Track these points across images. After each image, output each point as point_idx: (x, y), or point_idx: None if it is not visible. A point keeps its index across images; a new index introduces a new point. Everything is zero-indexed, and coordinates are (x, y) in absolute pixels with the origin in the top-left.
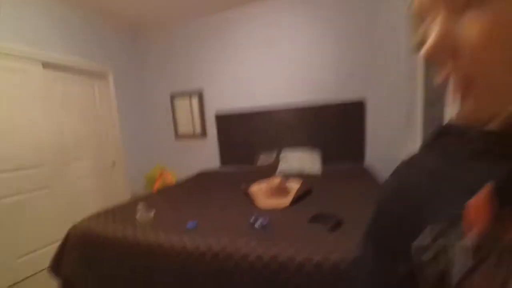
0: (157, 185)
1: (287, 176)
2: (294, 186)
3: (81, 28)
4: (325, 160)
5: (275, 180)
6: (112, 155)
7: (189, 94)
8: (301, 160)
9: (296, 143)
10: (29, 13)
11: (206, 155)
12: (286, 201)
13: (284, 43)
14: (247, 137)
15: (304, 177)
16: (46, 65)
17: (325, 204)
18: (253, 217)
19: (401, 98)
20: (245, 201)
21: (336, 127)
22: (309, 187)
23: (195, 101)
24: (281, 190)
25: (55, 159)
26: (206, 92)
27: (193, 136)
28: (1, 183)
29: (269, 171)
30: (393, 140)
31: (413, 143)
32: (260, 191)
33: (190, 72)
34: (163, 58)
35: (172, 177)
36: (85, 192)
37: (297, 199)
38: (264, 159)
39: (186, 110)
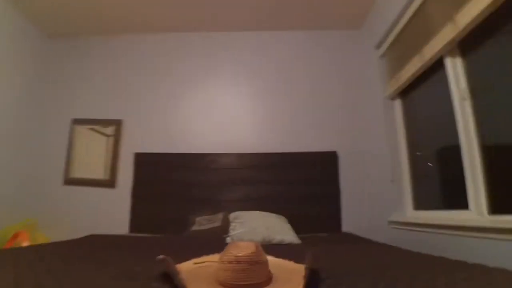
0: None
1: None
2: (275, 261)
3: None
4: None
5: (248, 246)
6: None
7: (100, 124)
8: (267, 224)
9: (248, 205)
10: None
11: (114, 214)
12: None
13: (242, 80)
14: (178, 191)
15: (275, 247)
16: None
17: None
18: None
19: (381, 149)
20: None
21: (302, 184)
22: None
23: (107, 137)
24: (259, 268)
25: None
26: (125, 126)
27: (96, 182)
28: None
29: (213, 239)
30: (376, 200)
31: (402, 200)
32: (205, 269)
33: (107, 97)
34: (73, 71)
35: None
36: None
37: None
38: (203, 223)
39: (92, 146)
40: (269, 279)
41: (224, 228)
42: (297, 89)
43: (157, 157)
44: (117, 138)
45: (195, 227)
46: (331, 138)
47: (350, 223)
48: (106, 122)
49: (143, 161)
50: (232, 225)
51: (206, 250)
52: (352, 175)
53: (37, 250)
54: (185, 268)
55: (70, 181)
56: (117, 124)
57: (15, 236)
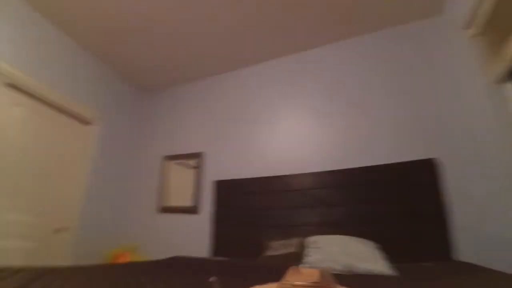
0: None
1: (328, 272)
2: None
3: (76, 65)
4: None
5: (311, 274)
6: (64, 217)
7: (185, 158)
8: (349, 250)
9: (328, 228)
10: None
11: (197, 238)
12: None
13: (315, 96)
14: (254, 216)
15: (361, 279)
16: (11, 86)
17: None
18: None
19: (494, 147)
20: None
21: (393, 201)
22: None
23: (191, 169)
24: None
25: None
26: (207, 158)
27: (184, 209)
28: None
29: (286, 265)
30: (495, 214)
31: None
32: None
33: (191, 134)
34: (163, 117)
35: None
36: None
37: None
38: (277, 248)
39: (179, 177)
40: None
41: (299, 254)
42: (377, 94)
43: (234, 183)
44: (199, 168)
45: (269, 252)
46: (426, 144)
47: (462, 248)
48: (190, 156)
49: (222, 188)
50: (308, 250)
51: (276, 277)
52: (458, 186)
53: (127, 267)
54: None
55: (163, 209)
56: (199, 156)
57: (118, 256)
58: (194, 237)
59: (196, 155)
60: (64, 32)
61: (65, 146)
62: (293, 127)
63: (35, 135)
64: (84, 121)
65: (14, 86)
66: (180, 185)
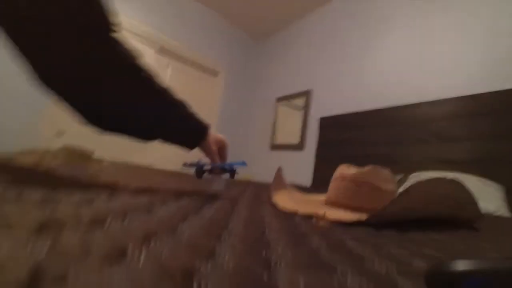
0: None
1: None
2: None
3: (204, 25)
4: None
5: (360, 168)
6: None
7: (295, 98)
8: None
9: (445, 167)
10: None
11: (301, 172)
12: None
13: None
14: (356, 151)
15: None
16: (160, 50)
17: None
18: None
19: None
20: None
21: None
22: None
23: (300, 108)
24: (369, 191)
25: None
26: (314, 95)
27: (291, 146)
28: None
29: None
30: None
31: None
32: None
33: (300, 73)
34: (275, 60)
35: None
36: None
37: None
38: None
39: (288, 117)
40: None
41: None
42: None
43: (339, 119)
44: (307, 106)
45: None
46: None
47: None
48: (299, 95)
49: (326, 124)
50: (405, 185)
51: None
52: None
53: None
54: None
55: (274, 147)
56: (308, 94)
57: None
58: (298, 172)
59: (304, 94)
60: None
61: (201, 95)
62: (406, 50)
63: (180, 89)
64: (213, 73)
65: (164, 51)
66: (289, 123)
